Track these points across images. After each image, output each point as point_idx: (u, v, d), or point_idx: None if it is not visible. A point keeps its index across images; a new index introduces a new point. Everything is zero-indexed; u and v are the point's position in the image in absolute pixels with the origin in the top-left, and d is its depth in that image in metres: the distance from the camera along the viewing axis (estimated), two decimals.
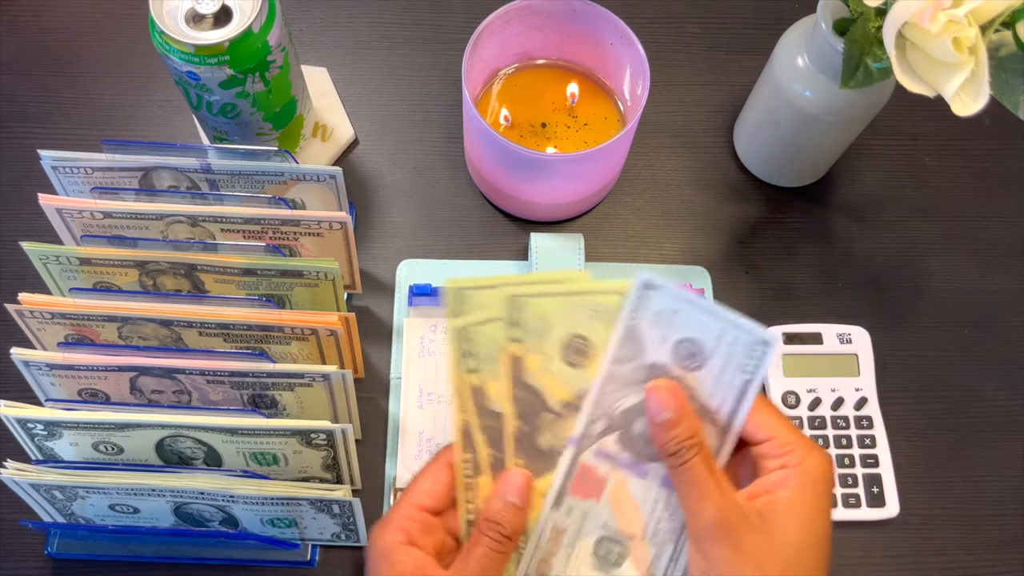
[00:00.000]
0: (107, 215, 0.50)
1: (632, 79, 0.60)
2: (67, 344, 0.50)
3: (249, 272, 0.51)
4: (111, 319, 0.49)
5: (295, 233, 0.51)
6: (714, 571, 0.37)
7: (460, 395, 0.41)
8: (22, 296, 0.48)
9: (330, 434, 0.48)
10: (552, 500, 0.41)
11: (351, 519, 0.50)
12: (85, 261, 0.50)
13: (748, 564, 0.36)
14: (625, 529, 0.41)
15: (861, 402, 0.57)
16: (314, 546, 0.53)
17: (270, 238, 0.51)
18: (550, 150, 0.61)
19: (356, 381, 0.52)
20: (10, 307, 0.48)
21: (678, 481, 0.39)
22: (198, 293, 0.52)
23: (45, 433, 0.48)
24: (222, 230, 0.50)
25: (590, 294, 0.41)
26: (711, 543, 0.37)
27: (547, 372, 0.41)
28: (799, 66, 0.54)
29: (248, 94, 0.53)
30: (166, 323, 0.49)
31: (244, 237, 0.51)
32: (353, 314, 0.52)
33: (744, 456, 0.40)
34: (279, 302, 0.53)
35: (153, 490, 0.47)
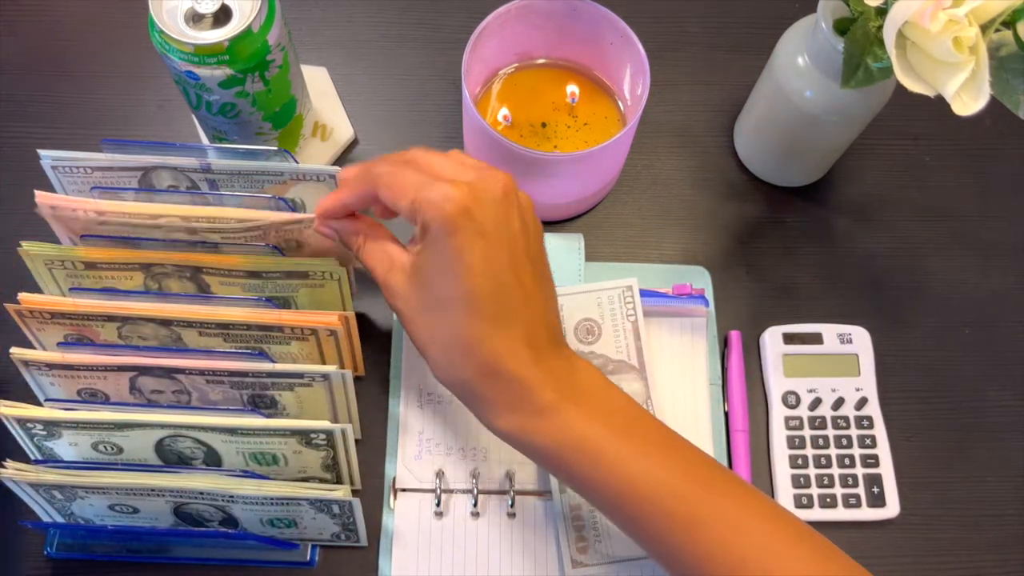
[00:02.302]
0: (103, 224, 0.49)
1: (632, 79, 0.59)
2: (66, 344, 0.49)
3: (254, 275, 0.51)
4: (111, 319, 0.49)
5: (299, 228, 0.51)
6: (392, 307, 0.44)
7: None
8: (22, 296, 0.48)
9: (330, 434, 0.48)
10: (558, 488, 0.51)
11: (351, 519, 0.50)
12: (90, 265, 0.50)
13: (407, 320, 0.43)
14: None
15: (861, 402, 0.57)
16: (314, 546, 0.53)
17: (272, 238, 0.51)
18: (550, 150, 0.61)
19: (356, 381, 0.52)
20: (10, 307, 0.48)
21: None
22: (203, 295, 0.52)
23: (44, 433, 0.48)
24: (222, 238, 0.50)
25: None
26: (385, 291, 0.44)
27: None
28: (800, 66, 0.54)
29: (247, 94, 0.53)
30: (166, 323, 0.49)
31: (246, 240, 0.51)
32: (353, 314, 0.52)
33: None
34: (284, 304, 0.53)
35: (152, 490, 0.47)
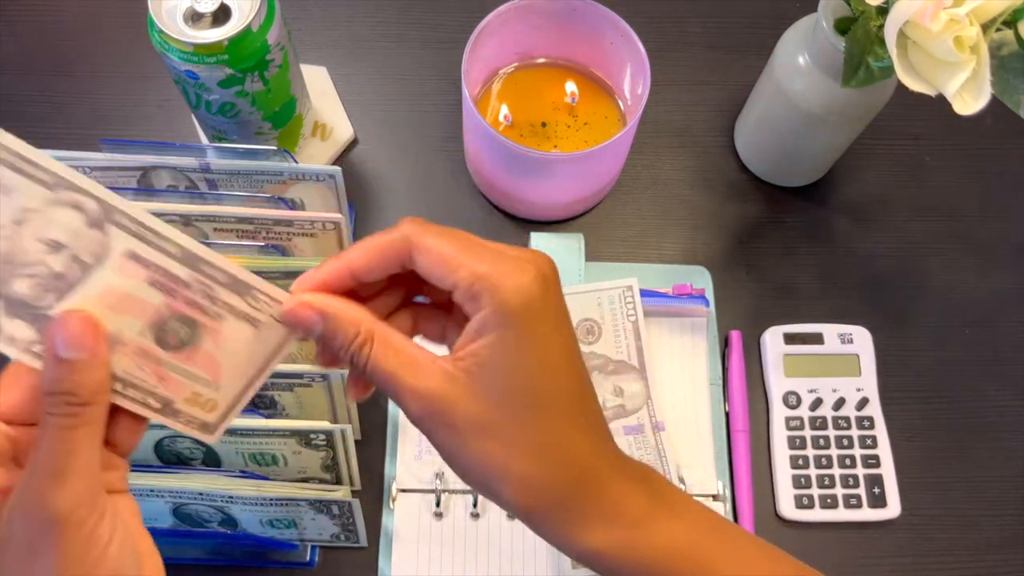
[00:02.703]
0: None
1: (632, 78, 0.59)
2: None
3: None
4: None
5: (288, 233, 0.51)
6: (444, 452, 0.33)
7: None
8: None
9: (329, 434, 0.48)
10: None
11: (350, 520, 0.50)
12: None
13: (466, 436, 0.32)
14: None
15: (862, 402, 0.57)
16: (313, 547, 0.53)
17: (263, 238, 0.51)
18: (550, 150, 0.61)
19: None
20: None
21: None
22: None
23: None
24: (215, 229, 0.50)
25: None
26: (433, 434, 0.33)
27: None
28: (800, 65, 0.54)
29: (247, 93, 0.53)
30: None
31: (237, 237, 0.51)
32: None
33: (456, 316, 0.35)
34: None
35: (152, 490, 0.47)
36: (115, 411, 0.33)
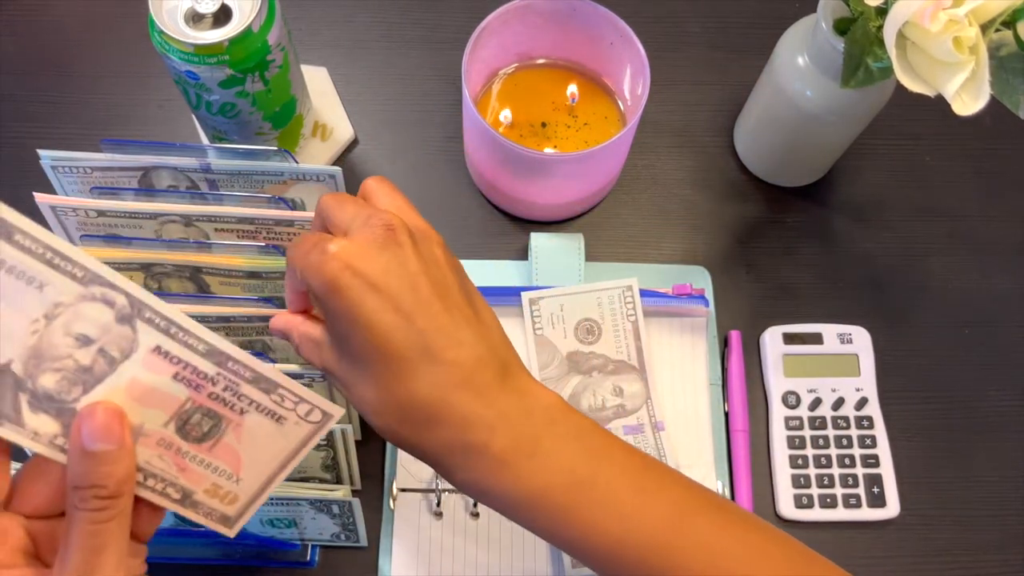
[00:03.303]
0: (101, 213, 0.50)
1: (632, 79, 0.59)
2: None
3: (254, 275, 0.51)
4: None
5: (289, 233, 0.51)
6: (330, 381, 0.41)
7: None
8: None
9: (330, 434, 0.48)
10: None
11: (351, 519, 0.50)
12: None
13: (340, 385, 0.38)
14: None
15: (862, 402, 0.57)
16: (313, 546, 0.53)
17: (264, 238, 0.51)
18: (550, 150, 0.61)
19: None
20: None
21: None
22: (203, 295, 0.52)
23: None
24: (216, 230, 0.50)
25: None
26: (322, 370, 0.39)
27: None
28: (800, 66, 0.54)
29: (247, 93, 0.53)
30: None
31: (238, 237, 0.51)
32: None
33: None
34: (283, 304, 0.52)
35: None
36: (135, 501, 0.33)
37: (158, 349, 0.32)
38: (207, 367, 0.33)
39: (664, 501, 0.38)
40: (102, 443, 0.31)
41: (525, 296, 0.57)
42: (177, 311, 0.32)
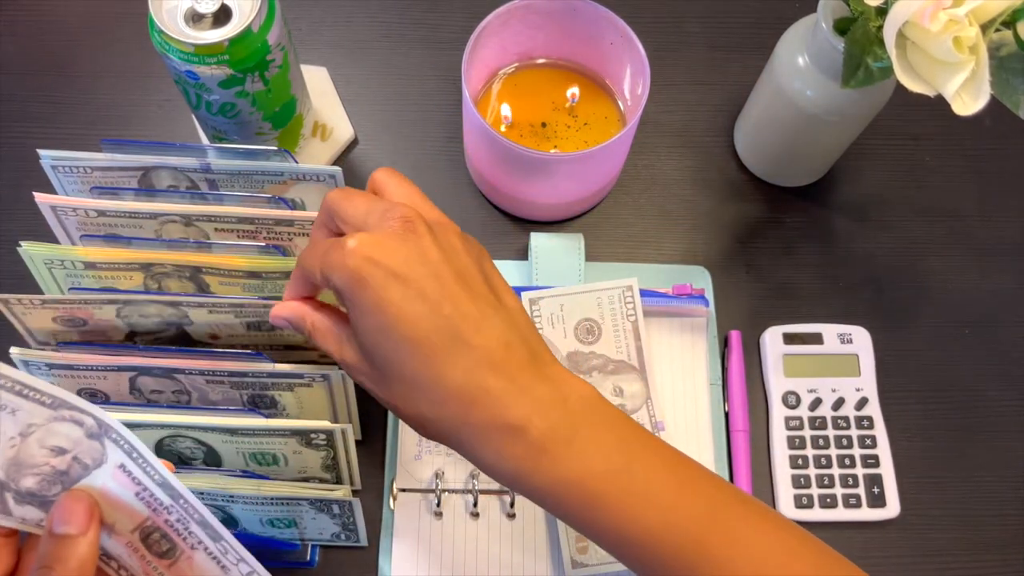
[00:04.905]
0: (101, 213, 0.50)
1: (632, 79, 0.59)
2: (66, 344, 0.49)
3: (254, 275, 0.51)
4: (111, 302, 0.49)
5: (289, 233, 0.51)
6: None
7: None
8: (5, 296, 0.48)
9: (330, 434, 0.48)
10: None
11: (351, 519, 0.50)
12: (90, 265, 0.50)
13: (362, 379, 0.40)
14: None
15: (862, 402, 0.57)
16: (314, 546, 0.53)
17: (264, 238, 0.51)
18: (550, 150, 0.61)
19: None
20: None
21: None
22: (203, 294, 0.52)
23: None
24: (216, 229, 0.50)
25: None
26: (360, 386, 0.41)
27: None
28: (800, 66, 0.54)
29: (247, 93, 0.53)
30: (175, 304, 0.49)
31: (238, 236, 0.51)
32: None
33: None
34: None
35: None
36: None
37: (123, 467, 0.35)
38: (162, 496, 0.35)
39: (700, 495, 0.38)
40: (65, 527, 0.34)
41: (525, 296, 0.57)
42: (136, 439, 0.35)
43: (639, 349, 0.56)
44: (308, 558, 0.53)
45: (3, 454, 0.34)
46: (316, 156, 0.63)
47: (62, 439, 0.34)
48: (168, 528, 0.36)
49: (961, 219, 0.64)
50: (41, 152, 0.50)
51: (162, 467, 0.35)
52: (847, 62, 0.48)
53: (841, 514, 0.55)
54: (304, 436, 0.48)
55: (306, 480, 0.52)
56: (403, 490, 0.54)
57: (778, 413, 0.57)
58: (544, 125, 0.62)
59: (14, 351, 0.48)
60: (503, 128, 0.61)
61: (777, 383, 0.58)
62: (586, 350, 0.56)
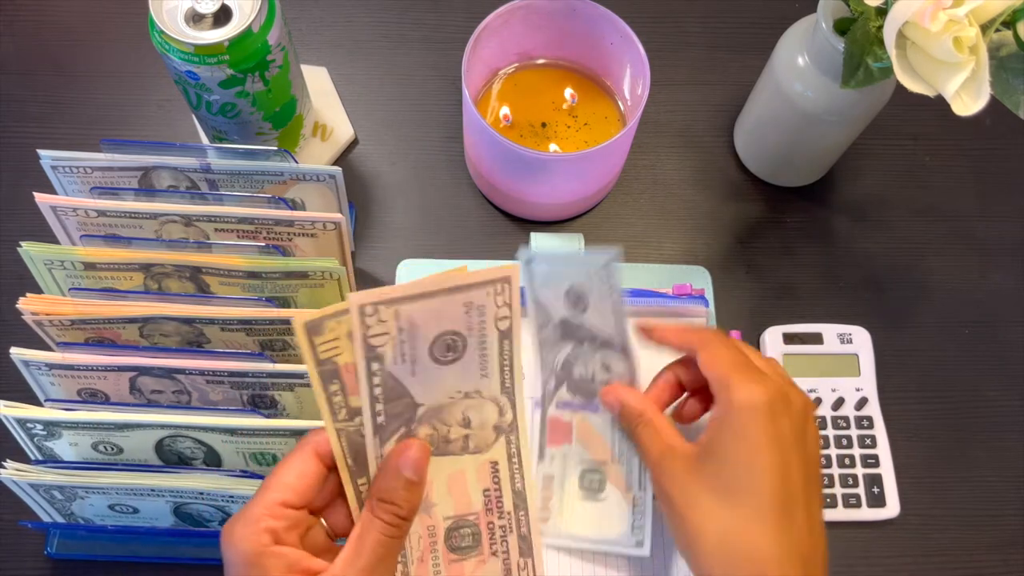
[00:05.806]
0: (101, 213, 0.50)
1: (632, 79, 0.59)
2: (66, 344, 0.49)
3: (254, 275, 0.51)
4: (131, 321, 0.49)
5: (289, 233, 0.51)
6: (662, 493, 0.43)
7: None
8: (25, 301, 0.48)
9: None
10: (536, 456, 0.49)
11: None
12: (90, 266, 0.50)
13: (677, 504, 0.41)
14: (597, 458, 0.49)
15: (862, 402, 0.57)
16: None
17: (264, 238, 0.51)
18: (550, 150, 0.61)
19: None
20: (28, 317, 0.48)
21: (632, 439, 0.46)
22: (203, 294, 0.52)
23: (44, 433, 0.48)
24: (216, 230, 0.50)
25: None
26: (658, 476, 0.43)
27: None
28: (800, 66, 0.54)
29: (248, 93, 0.53)
30: (187, 321, 0.49)
31: (238, 237, 0.51)
32: None
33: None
34: (284, 304, 0.53)
35: (152, 490, 0.47)
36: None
37: (493, 464, 0.38)
38: (508, 502, 0.38)
39: None
40: (412, 472, 0.36)
41: (523, 255, 0.53)
42: (523, 443, 0.38)
43: (622, 330, 0.53)
44: None
45: (437, 400, 0.37)
46: (316, 156, 0.63)
47: (478, 416, 0.38)
48: (487, 529, 0.38)
49: (961, 219, 0.64)
50: (41, 152, 0.50)
51: (532, 478, 0.38)
52: (847, 62, 0.48)
53: (841, 514, 0.55)
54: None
55: None
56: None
57: None
58: (544, 125, 0.62)
59: (14, 351, 0.48)
60: (503, 128, 0.61)
61: None
62: (576, 321, 0.54)
